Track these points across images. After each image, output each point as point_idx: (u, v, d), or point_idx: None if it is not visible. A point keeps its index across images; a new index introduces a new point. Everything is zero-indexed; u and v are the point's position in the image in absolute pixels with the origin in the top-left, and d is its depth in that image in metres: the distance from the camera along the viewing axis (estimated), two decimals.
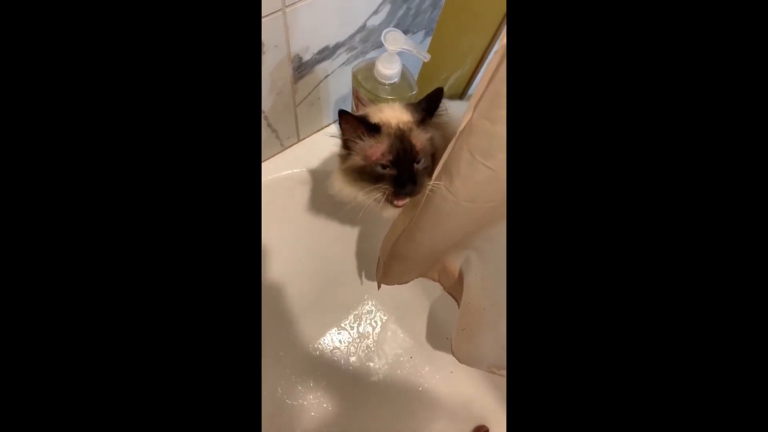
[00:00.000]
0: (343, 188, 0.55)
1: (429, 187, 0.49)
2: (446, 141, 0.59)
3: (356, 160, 0.52)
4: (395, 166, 0.50)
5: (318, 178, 0.78)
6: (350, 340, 0.97)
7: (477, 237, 0.64)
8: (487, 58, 1.00)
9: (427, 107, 0.51)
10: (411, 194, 0.50)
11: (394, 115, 0.52)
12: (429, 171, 0.52)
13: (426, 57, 0.54)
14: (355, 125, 0.50)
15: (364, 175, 0.51)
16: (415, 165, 0.51)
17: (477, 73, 1.04)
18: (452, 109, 0.59)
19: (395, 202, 0.52)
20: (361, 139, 0.50)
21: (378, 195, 0.51)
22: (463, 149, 0.43)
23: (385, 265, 0.72)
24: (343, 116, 0.49)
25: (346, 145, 0.53)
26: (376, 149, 0.50)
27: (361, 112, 0.54)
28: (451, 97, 1.05)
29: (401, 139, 0.50)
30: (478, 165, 0.43)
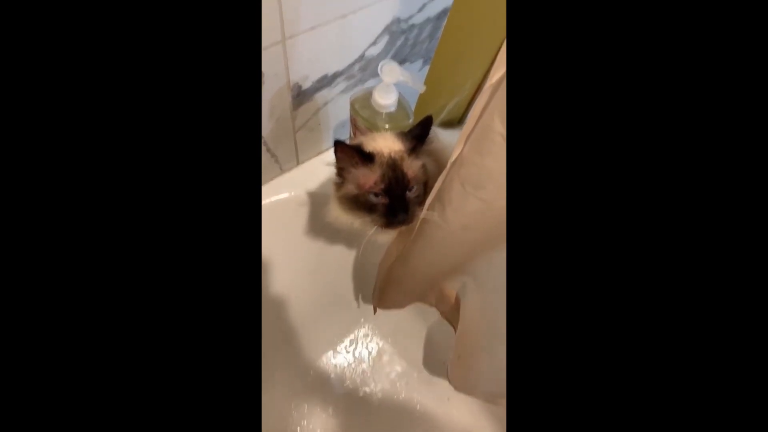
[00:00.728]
0: (340, 216, 0.55)
1: (421, 216, 0.49)
2: (439, 168, 0.59)
3: (350, 188, 0.52)
4: (387, 195, 0.51)
5: (316, 201, 0.79)
6: (346, 364, 0.96)
7: (473, 263, 0.64)
8: (485, 85, 1.02)
9: (418, 135, 0.52)
10: (403, 223, 0.51)
11: (386, 144, 0.52)
12: (421, 199, 0.52)
13: (421, 88, 0.55)
14: (349, 154, 0.51)
15: (358, 203, 0.52)
16: (408, 193, 0.51)
17: (475, 100, 1.06)
18: (446, 138, 0.60)
19: (391, 230, 0.53)
20: (355, 167, 0.51)
21: (371, 227, 0.51)
22: (454, 180, 0.43)
23: (381, 290, 0.71)
24: (339, 146, 0.50)
25: (340, 173, 0.54)
26: (369, 178, 0.50)
27: (356, 141, 0.55)
28: (450, 122, 1.07)
29: (393, 168, 0.51)
30: (469, 196, 0.43)
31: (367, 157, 0.50)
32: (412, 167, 0.51)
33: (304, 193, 0.77)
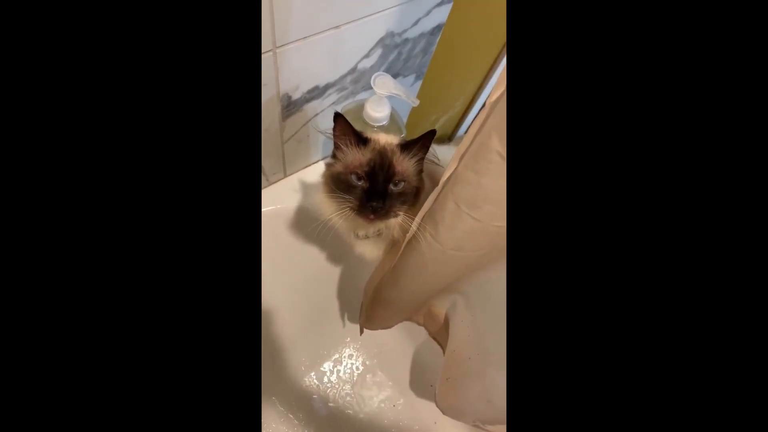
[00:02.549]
0: (322, 200, 0.55)
1: (402, 223, 0.49)
2: (433, 186, 0.58)
3: (338, 167, 0.52)
4: (369, 179, 0.50)
5: (302, 214, 0.76)
6: (329, 385, 0.92)
7: (464, 282, 0.63)
8: (476, 101, 1.02)
9: (419, 143, 0.52)
10: (376, 212, 0.49)
11: (386, 137, 0.53)
12: (408, 202, 0.52)
13: (415, 102, 0.54)
14: (346, 131, 0.51)
15: (340, 183, 0.52)
16: (390, 186, 0.51)
17: (466, 116, 1.06)
18: (440, 155, 0.59)
19: (362, 217, 0.51)
20: (348, 147, 0.51)
21: (345, 208, 0.50)
22: (448, 198, 0.42)
23: (368, 309, 0.69)
24: (338, 119, 0.50)
25: (335, 154, 0.53)
26: (357, 159, 0.51)
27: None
28: (440, 139, 1.06)
29: (382, 156, 0.50)
30: (463, 215, 0.41)
31: (361, 140, 0.50)
32: (402, 163, 0.51)
33: (290, 206, 0.74)
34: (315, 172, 0.79)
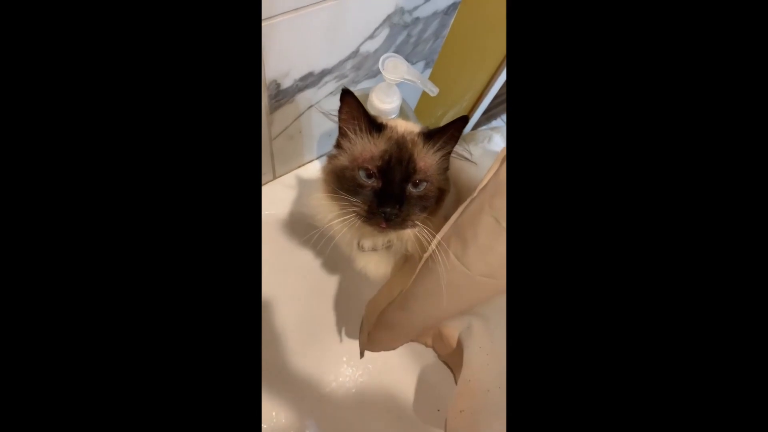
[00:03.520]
0: (321, 202, 0.44)
1: (418, 234, 0.39)
2: (458, 194, 0.48)
3: (342, 160, 0.41)
4: (382, 177, 0.39)
5: (295, 221, 0.67)
6: (325, 407, 0.83)
7: (484, 304, 0.54)
8: (486, 95, 0.93)
9: (449, 132, 0.41)
10: (390, 220, 0.38)
11: (405, 124, 0.42)
12: (429, 208, 0.41)
13: (434, 91, 0.44)
14: (356, 112, 0.40)
15: (345, 182, 0.40)
16: (409, 186, 0.40)
17: (475, 110, 0.97)
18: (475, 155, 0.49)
19: (372, 225, 0.40)
20: (356, 134, 0.40)
21: (350, 213, 0.39)
22: (484, 212, 0.32)
23: (371, 332, 0.60)
24: (346, 96, 0.39)
25: (339, 144, 0.43)
26: (368, 150, 0.39)
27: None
28: None
29: (400, 148, 0.40)
30: (503, 234, 0.32)
31: (374, 126, 0.40)
32: (424, 158, 0.40)
33: (281, 212, 0.65)
34: (309, 173, 0.69)
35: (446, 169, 0.42)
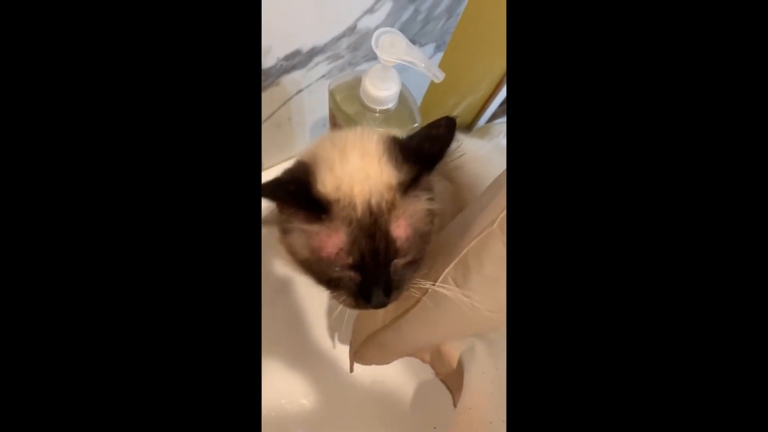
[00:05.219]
0: (295, 268, 0.35)
1: (421, 286, 0.30)
2: (458, 198, 0.41)
3: (298, 246, 0.31)
4: (360, 271, 0.30)
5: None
6: (311, 421, 0.78)
7: None
8: (502, 86, 0.84)
9: (427, 150, 0.29)
10: (381, 306, 0.31)
11: (362, 171, 0.30)
12: (418, 261, 0.32)
13: (438, 76, 0.36)
14: (286, 205, 0.30)
15: (314, 274, 0.32)
16: (394, 263, 0.31)
17: (490, 102, 0.88)
18: (469, 148, 0.41)
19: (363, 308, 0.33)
20: (302, 223, 0.30)
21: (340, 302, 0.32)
22: (495, 238, 0.25)
23: (360, 350, 0.54)
24: (266, 195, 0.29)
25: (285, 226, 0.33)
26: (327, 241, 0.29)
27: (304, 158, 0.32)
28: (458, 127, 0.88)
29: (371, 232, 0.29)
30: None
31: (316, 208, 0.29)
32: (404, 224, 0.30)
33: (266, 211, 0.58)
34: None
35: (427, 209, 0.32)
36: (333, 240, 0.29)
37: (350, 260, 0.30)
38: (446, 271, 0.29)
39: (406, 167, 0.30)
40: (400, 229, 0.29)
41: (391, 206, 0.29)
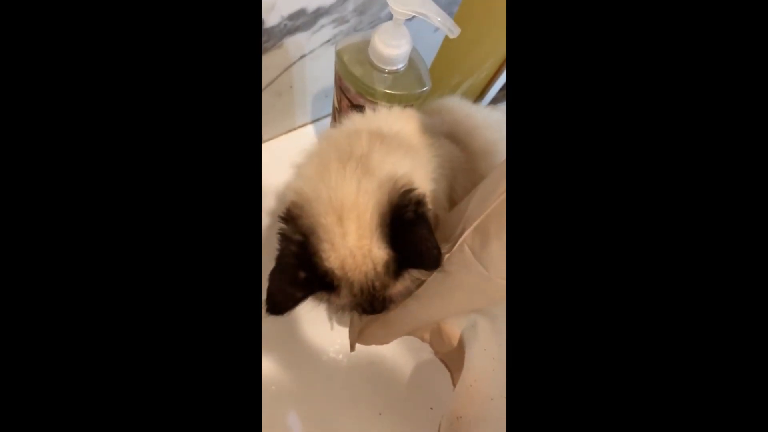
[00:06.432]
0: None
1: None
2: (472, 166, 0.40)
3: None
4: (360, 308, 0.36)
5: (283, 196, 0.58)
6: (309, 399, 0.77)
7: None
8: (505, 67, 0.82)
9: (406, 253, 0.32)
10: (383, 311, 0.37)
11: (360, 250, 0.32)
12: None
13: (454, 31, 0.34)
14: (292, 294, 0.32)
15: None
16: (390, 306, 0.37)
17: (494, 82, 0.86)
18: (480, 115, 0.40)
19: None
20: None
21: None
22: None
23: (363, 329, 0.52)
24: (273, 278, 0.32)
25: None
26: (332, 301, 0.34)
27: (297, 201, 0.34)
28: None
29: (371, 296, 0.34)
30: None
31: (324, 285, 0.33)
32: (395, 292, 0.35)
33: (265, 183, 0.56)
34: (303, 141, 0.60)
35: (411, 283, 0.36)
36: (336, 301, 0.34)
37: (349, 309, 0.35)
38: (462, 238, 0.28)
39: (396, 255, 0.32)
40: (392, 294, 0.35)
41: (385, 285, 0.33)
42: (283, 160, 0.57)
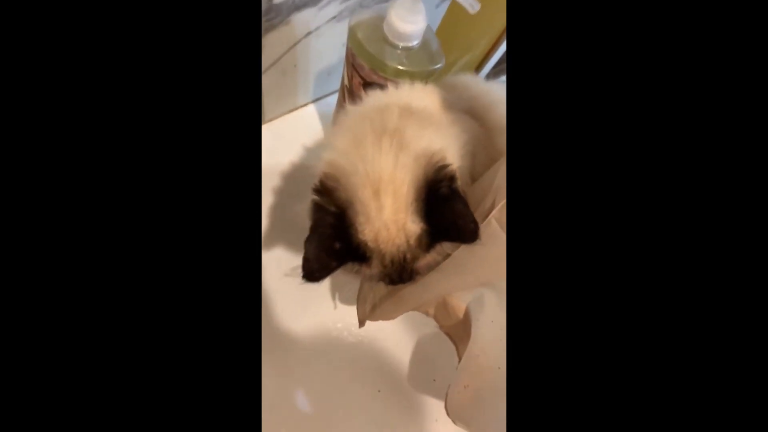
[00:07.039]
0: None
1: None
2: (491, 142, 0.40)
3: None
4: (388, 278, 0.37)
5: (287, 176, 0.58)
6: (312, 374, 0.78)
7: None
8: (502, 42, 0.83)
9: (442, 227, 0.32)
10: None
11: (395, 224, 0.32)
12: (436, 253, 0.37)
13: (474, 6, 0.34)
14: (329, 261, 0.32)
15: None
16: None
17: (488, 60, 0.87)
18: (497, 90, 0.41)
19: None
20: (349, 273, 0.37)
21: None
22: None
23: (377, 304, 0.54)
24: (309, 244, 0.32)
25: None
26: (362, 272, 0.36)
27: (332, 173, 0.34)
28: None
29: (400, 268, 0.35)
30: None
31: (357, 256, 0.34)
32: (423, 263, 0.36)
33: (269, 164, 0.56)
34: (305, 121, 0.59)
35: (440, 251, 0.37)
36: (368, 271, 0.36)
37: (378, 279, 0.37)
38: (495, 210, 0.29)
39: (430, 230, 0.33)
40: (420, 266, 0.36)
41: (416, 257, 0.35)
42: (290, 134, 0.57)
